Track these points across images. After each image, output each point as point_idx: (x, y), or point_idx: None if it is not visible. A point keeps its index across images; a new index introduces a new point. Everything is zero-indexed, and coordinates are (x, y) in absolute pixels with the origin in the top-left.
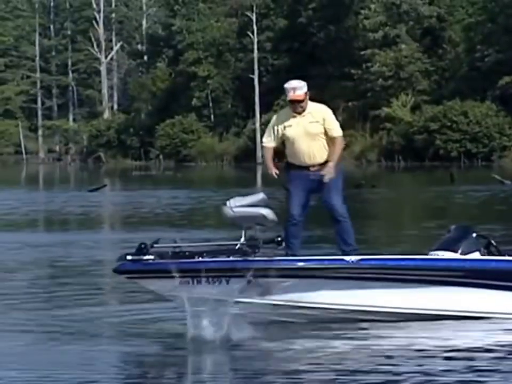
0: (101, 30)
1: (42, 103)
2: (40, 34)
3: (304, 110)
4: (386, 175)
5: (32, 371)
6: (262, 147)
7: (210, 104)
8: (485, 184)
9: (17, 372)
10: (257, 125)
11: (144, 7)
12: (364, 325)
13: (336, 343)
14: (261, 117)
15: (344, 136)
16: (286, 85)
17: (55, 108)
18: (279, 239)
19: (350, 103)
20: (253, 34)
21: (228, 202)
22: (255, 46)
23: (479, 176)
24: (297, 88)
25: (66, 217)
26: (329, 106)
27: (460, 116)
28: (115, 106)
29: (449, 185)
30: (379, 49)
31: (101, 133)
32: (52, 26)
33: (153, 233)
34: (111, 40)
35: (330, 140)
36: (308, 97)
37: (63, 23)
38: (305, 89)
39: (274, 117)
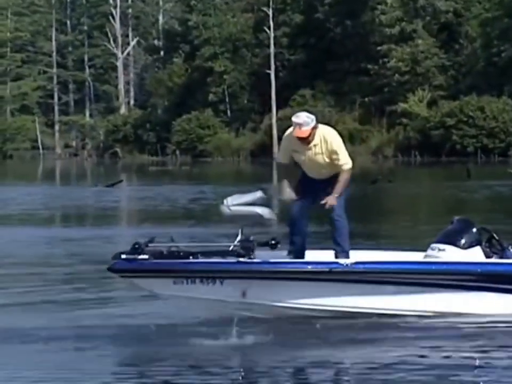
0: (117, 25)
1: (59, 99)
2: (56, 29)
3: (310, 142)
4: (403, 171)
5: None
6: (278, 163)
7: (227, 100)
8: (502, 179)
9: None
10: (274, 120)
11: (161, 3)
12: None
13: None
14: (277, 112)
15: (360, 131)
16: (294, 119)
17: (72, 103)
18: (273, 242)
19: (366, 99)
20: (269, 29)
21: (225, 201)
22: (272, 41)
23: (496, 171)
24: (303, 124)
25: (92, 212)
26: (345, 101)
27: (476, 111)
28: (131, 102)
29: (466, 181)
30: (395, 44)
31: (117, 128)
32: (68, 22)
33: (180, 228)
34: (127, 36)
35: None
36: (316, 130)
37: (79, 18)
38: (312, 124)
39: (285, 136)
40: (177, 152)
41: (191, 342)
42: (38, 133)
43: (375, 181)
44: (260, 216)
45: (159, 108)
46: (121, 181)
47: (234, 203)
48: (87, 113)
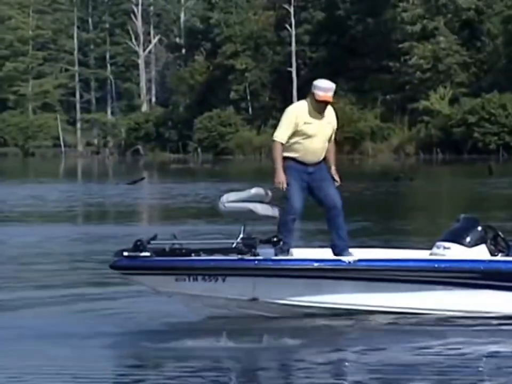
0: (139, 23)
1: (81, 96)
2: (78, 27)
3: (326, 108)
4: (425, 168)
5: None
6: (273, 142)
7: (248, 97)
8: None
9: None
10: None
11: (182, 0)
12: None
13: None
14: None
15: (382, 129)
16: (320, 84)
17: (93, 101)
18: (275, 239)
19: (388, 96)
20: (290, 27)
21: (221, 198)
22: (293, 39)
23: None
24: (330, 89)
25: (118, 210)
26: (367, 98)
27: (498, 109)
28: (153, 99)
29: (488, 178)
30: (417, 42)
31: (139, 126)
32: (90, 20)
33: (205, 226)
34: (149, 33)
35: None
36: None
37: (101, 16)
38: (334, 87)
39: (293, 110)
40: (199, 149)
41: (192, 341)
42: (59, 130)
43: (396, 179)
44: (251, 212)
45: (180, 105)
46: (143, 179)
47: (229, 200)
48: (109, 111)
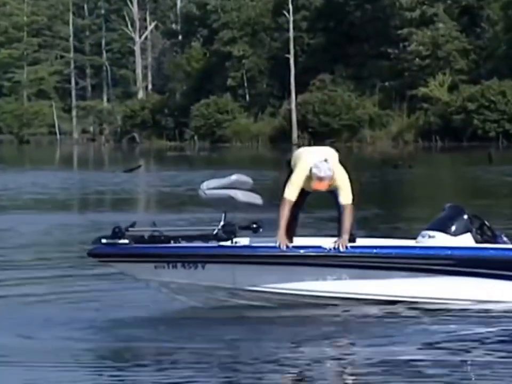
0: (135, 9)
1: (76, 83)
2: (73, 13)
3: None
4: (424, 156)
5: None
6: (283, 199)
7: (245, 84)
8: None
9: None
10: (293, 105)
11: None
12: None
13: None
14: (296, 97)
15: (380, 116)
16: (316, 172)
17: (89, 88)
18: (255, 225)
19: (386, 83)
20: (288, 13)
21: (201, 185)
22: (291, 25)
23: None
24: (325, 178)
25: (117, 197)
26: (365, 85)
27: (497, 96)
28: (149, 86)
29: (488, 165)
30: (416, 28)
31: (135, 113)
32: (85, 6)
33: (203, 214)
34: (145, 20)
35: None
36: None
37: (96, 2)
38: (331, 174)
39: (302, 173)
40: (196, 137)
41: (179, 333)
42: (55, 118)
43: (395, 166)
44: (231, 198)
45: (177, 92)
46: (139, 166)
47: (210, 187)
48: (105, 98)
